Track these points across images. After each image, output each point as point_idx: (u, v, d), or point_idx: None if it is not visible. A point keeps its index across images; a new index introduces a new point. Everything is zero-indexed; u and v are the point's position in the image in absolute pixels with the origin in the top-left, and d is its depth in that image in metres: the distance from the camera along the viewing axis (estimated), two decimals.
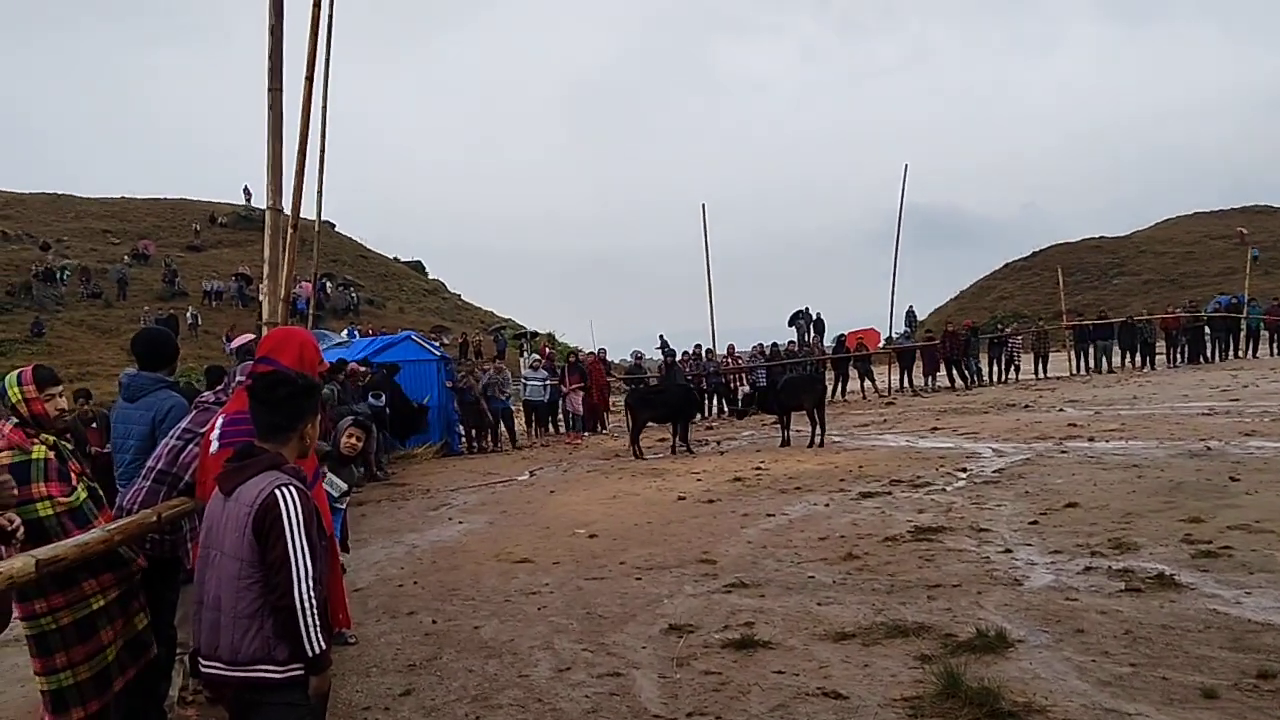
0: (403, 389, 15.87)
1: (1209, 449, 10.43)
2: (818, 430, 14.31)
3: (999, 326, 26.95)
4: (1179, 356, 25.99)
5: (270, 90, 5.04)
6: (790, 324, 29.82)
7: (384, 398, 14.28)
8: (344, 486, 6.24)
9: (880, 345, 25.56)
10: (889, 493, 9.42)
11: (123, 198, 52.46)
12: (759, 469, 11.85)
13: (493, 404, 17.86)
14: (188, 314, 34.98)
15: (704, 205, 23.90)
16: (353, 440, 6.39)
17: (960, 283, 57.80)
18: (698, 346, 22.55)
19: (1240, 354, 26.65)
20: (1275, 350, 27.19)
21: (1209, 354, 26.10)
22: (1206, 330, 26.53)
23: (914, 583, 6.01)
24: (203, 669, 2.82)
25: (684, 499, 10.03)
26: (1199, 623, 4.79)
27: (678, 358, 22.44)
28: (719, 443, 15.74)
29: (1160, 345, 26.26)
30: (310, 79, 6.51)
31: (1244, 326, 27.04)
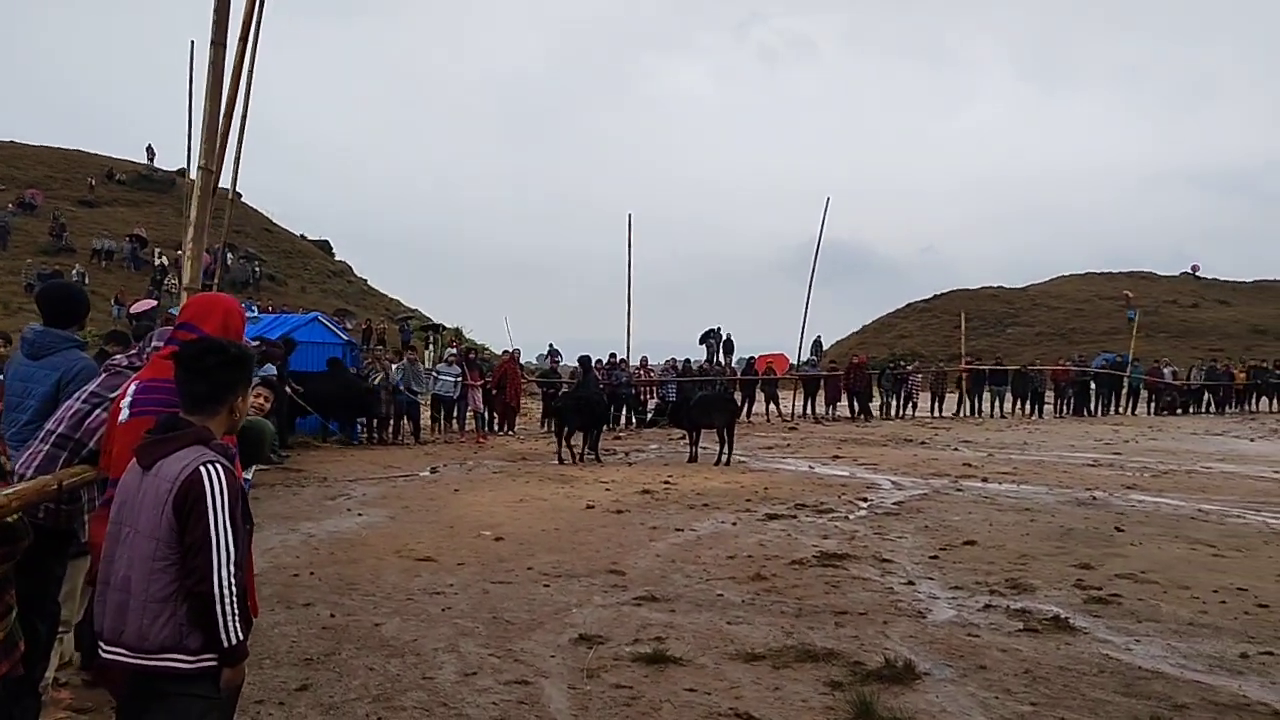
0: (349, 370, 15.87)
1: (1095, 498, 10.83)
2: (725, 449, 14.40)
3: (900, 363, 27.63)
4: (1065, 407, 27.07)
5: (213, 44, 4.81)
6: (701, 342, 30.08)
7: (274, 369, 13.77)
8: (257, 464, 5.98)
9: (788, 371, 25.94)
10: (794, 516, 9.51)
11: (11, 142, 49.86)
12: (667, 483, 11.85)
13: (399, 397, 17.46)
14: (74, 271, 33.16)
15: (630, 215, 23.92)
16: (260, 400, 6.10)
17: (860, 318, 59.29)
18: (613, 355, 22.51)
19: (1121, 410, 27.89)
20: (1151, 410, 28.53)
21: (1092, 408, 27.25)
22: (1092, 385, 27.72)
23: (821, 608, 6.05)
24: (103, 654, 2.61)
25: (592, 508, 9.95)
26: (1093, 666, 4.92)
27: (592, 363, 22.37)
28: (627, 454, 15.71)
29: (1049, 395, 27.33)
30: (245, 38, 6.22)
31: (1126, 384, 28.33)
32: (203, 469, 2.55)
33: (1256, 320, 48.96)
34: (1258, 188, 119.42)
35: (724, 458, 14.28)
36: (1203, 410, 29.42)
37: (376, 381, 16.90)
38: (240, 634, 2.56)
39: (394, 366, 17.67)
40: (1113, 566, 7.29)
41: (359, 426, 17.30)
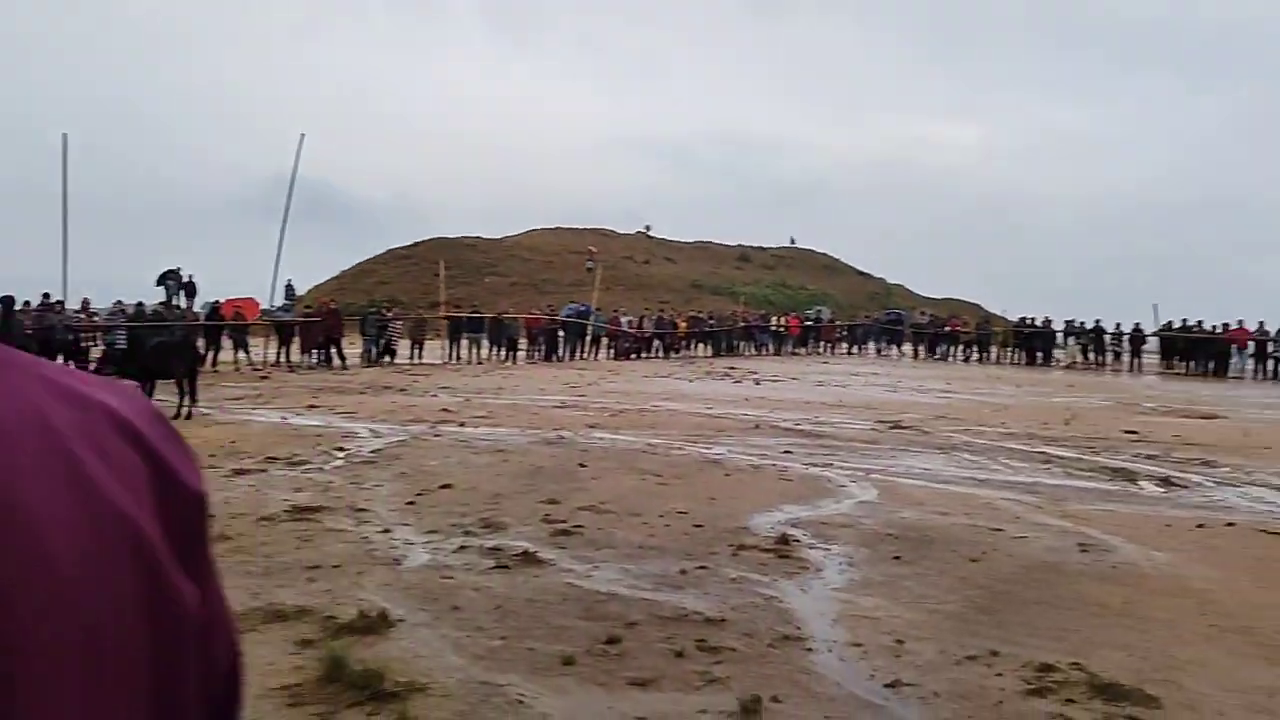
0: None
1: (561, 438, 11.70)
2: (186, 401, 13.30)
3: (381, 310, 27.55)
4: (537, 354, 28.98)
5: None
6: (159, 284, 27.39)
7: None
8: None
9: (259, 316, 24.62)
10: (264, 470, 9.05)
11: None
12: None
13: None
14: None
15: (65, 136, 20.93)
16: None
17: (337, 263, 58.12)
18: (45, 296, 19.63)
19: (584, 356, 30.53)
20: (611, 355, 31.62)
21: (561, 354, 29.49)
22: (560, 333, 29.98)
23: (292, 564, 5.83)
24: None
25: None
26: (558, 596, 5.31)
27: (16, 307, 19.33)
28: None
29: (523, 342, 29.06)
30: None
31: (589, 332, 31.06)
32: None
33: (696, 276, 56.62)
34: (694, 158, 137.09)
35: (184, 410, 13.18)
36: (653, 355, 33.17)
37: None
38: None
39: None
40: (576, 500, 7.92)
41: None
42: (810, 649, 4.59)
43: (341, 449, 10.48)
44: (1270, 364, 29.59)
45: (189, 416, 13.02)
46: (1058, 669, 4.33)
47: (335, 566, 5.79)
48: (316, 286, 49.83)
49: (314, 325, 24.15)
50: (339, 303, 28.22)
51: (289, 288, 34.75)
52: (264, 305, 25.23)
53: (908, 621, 5.03)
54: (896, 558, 6.39)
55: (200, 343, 19.96)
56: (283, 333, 23.90)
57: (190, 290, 27.60)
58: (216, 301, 23.49)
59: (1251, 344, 29.86)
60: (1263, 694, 4.16)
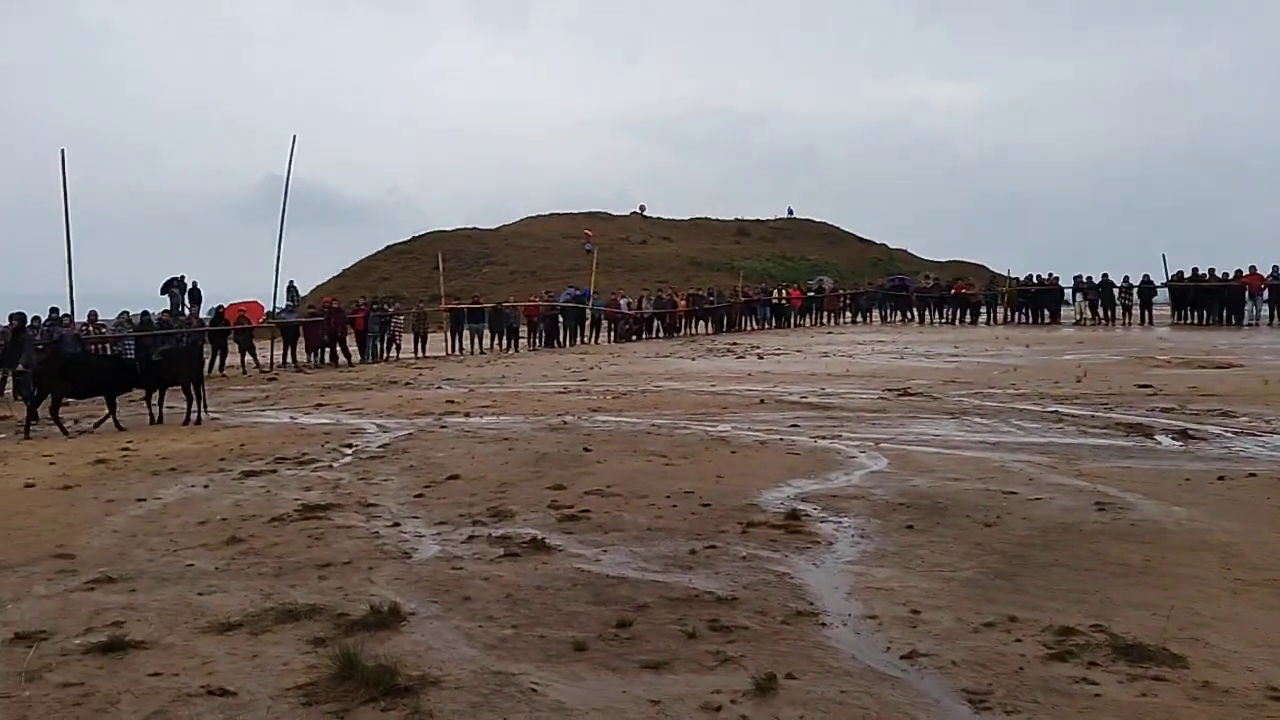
0: None
1: (565, 423, 11.68)
2: (195, 406, 13.29)
3: (383, 306, 27.54)
4: (538, 341, 28.97)
5: None
6: (163, 292, 27.30)
7: None
8: None
9: (263, 319, 24.63)
10: (274, 470, 9.04)
11: None
12: (126, 449, 10.62)
13: None
14: None
15: (63, 151, 20.77)
16: None
17: (336, 262, 58.19)
18: (54, 311, 19.57)
19: (585, 340, 30.52)
20: (611, 338, 31.57)
21: (562, 339, 29.49)
22: (560, 319, 29.96)
23: (303, 563, 5.81)
24: None
25: (33, 486, 8.61)
26: (568, 581, 5.28)
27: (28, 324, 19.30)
28: (76, 420, 13.84)
29: (523, 330, 29.06)
30: None
31: (589, 316, 31.04)
32: None
33: (693, 254, 56.39)
34: (684, 135, 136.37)
35: (194, 416, 13.18)
36: (654, 336, 33.10)
37: None
38: None
39: None
40: (582, 485, 7.89)
41: None
42: (824, 624, 4.55)
43: (350, 445, 10.47)
44: None
45: (199, 422, 13.02)
46: (1079, 632, 4.27)
47: (346, 563, 5.77)
48: (319, 286, 49.87)
49: (318, 324, 24.13)
50: (341, 301, 28.15)
51: (291, 289, 34.71)
52: (267, 308, 25.22)
53: (923, 591, 4.98)
54: (909, 527, 6.34)
55: (207, 349, 19.95)
56: (287, 334, 23.90)
57: (195, 296, 27.52)
58: (220, 307, 23.47)
59: (1266, 289, 29.44)
60: None
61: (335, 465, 9.30)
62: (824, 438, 10.15)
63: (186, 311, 25.24)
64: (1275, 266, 29.60)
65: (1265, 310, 29.46)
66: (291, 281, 35.39)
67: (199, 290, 27.75)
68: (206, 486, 8.36)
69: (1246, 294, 29.61)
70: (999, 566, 5.41)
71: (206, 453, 10.21)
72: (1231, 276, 30.02)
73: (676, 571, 5.44)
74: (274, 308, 25.22)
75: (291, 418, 13.43)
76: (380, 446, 10.35)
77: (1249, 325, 28.87)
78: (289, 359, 23.48)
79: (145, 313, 22.01)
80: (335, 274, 53.93)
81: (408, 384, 18.11)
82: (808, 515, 6.70)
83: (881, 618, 4.60)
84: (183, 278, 27.73)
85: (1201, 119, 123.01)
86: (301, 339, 23.93)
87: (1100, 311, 32.41)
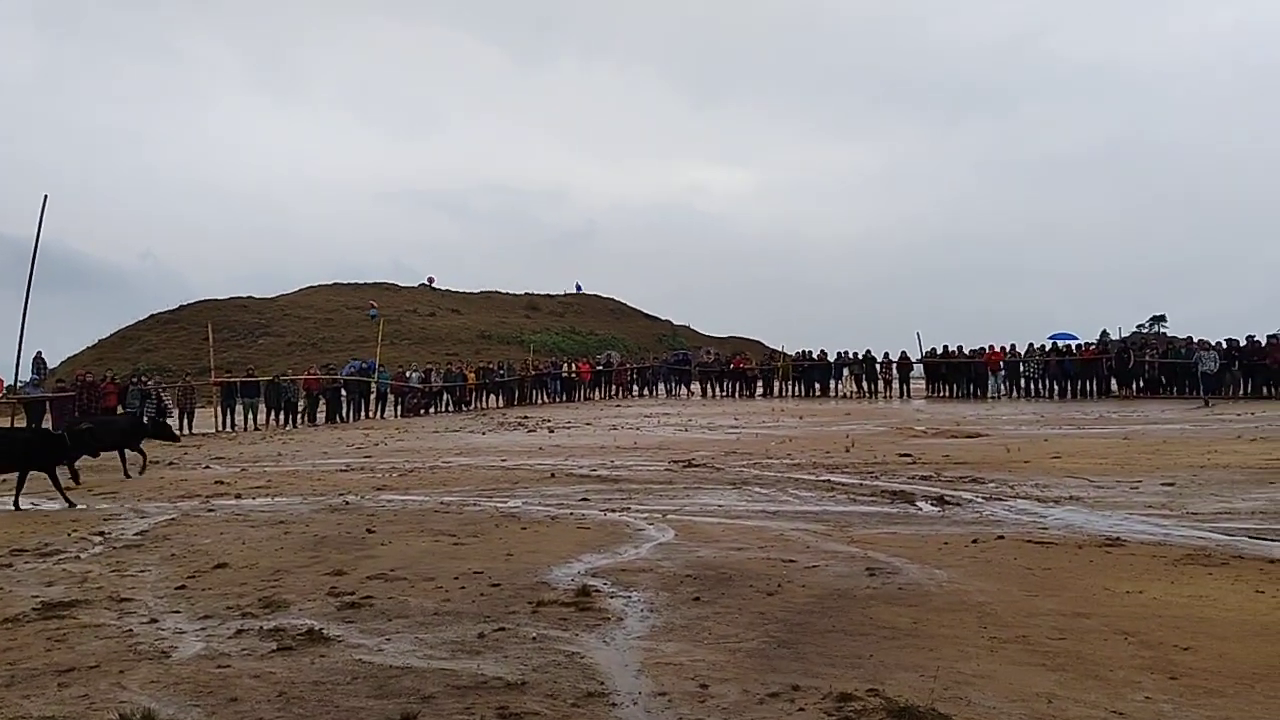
0: None
1: (347, 503, 11.18)
2: None
3: (142, 379, 25.70)
4: (318, 415, 27.79)
5: None
6: None
7: None
8: None
9: (3, 395, 22.46)
10: (10, 564, 8.12)
11: None
12: None
13: None
14: None
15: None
16: None
17: (90, 332, 54.21)
18: None
19: (370, 415, 29.52)
20: (398, 413, 30.72)
21: (345, 414, 28.40)
22: (342, 392, 28.92)
23: (41, 669, 5.20)
24: None
25: None
26: (347, 675, 4.97)
27: None
28: None
29: (302, 404, 27.81)
30: None
31: (374, 389, 30.11)
32: None
33: (483, 327, 56.21)
34: (473, 210, 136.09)
35: None
36: (443, 410, 32.45)
37: None
38: None
39: None
40: (365, 569, 7.52)
41: None
42: (614, 704, 4.48)
43: (101, 533, 9.57)
44: (1023, 383, 32.31)
45: None
46: (856, 697, 4.40)
47: (93, 667, 5.21)
48: (72, 358, 46.16)
49: (68, 399, 22.22)
50: (96, 374, 26.10)
51: (38, 360, 31.88)
52: (8, 382, 23.02)
53: (710, 664, 5.01)
54: (697, 598, 6.40)
55: None
56: (31, 410, 21.88)
57: None
58: None
59: (1004, 366, 32.49)
60: (1042, 700, 4.37)
61: (83, 556, 8.46)
62: (613, 510, 10.18)
63: None
64: (1012, 344, 32.86)
65: (1004, 385, 32.40)
66: (39, 353, 32.56)
67: None
68: None
69: (989, 370, 32.48)
70: (781, 635, 5.53)
71: None
72: (975, 353, 32.95)
73: (464, 657, 5.23)
74: (16, 382, 23.04)
75: (33, 504, 12.18)
76: (137, 534, 9.52)
77: (991, 398, 31.62)
78: None
79: None
80: (91, 344, 50.10)
81: (171, 463, 16.86)
82: (598, 591, 6.65)
83: (671, 694, 4.58)
84: None
85: (956, 199, 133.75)
86: (49, 415, 21.93)
87: (865, 385, 34.72)
